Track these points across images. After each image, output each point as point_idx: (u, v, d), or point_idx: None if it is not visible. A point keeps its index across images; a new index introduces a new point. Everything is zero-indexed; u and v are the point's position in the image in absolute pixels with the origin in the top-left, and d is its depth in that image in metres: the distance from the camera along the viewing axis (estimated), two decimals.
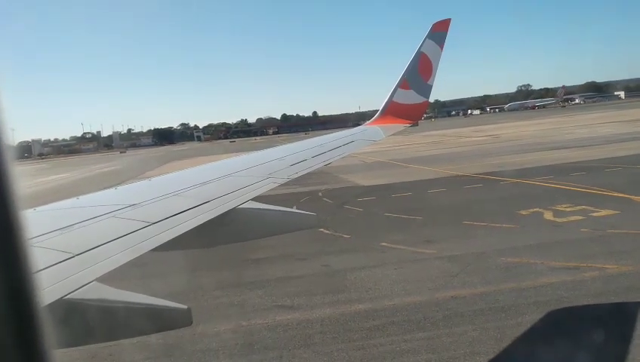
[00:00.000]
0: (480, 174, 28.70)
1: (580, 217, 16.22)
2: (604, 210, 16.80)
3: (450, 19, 12.22)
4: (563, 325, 8.98)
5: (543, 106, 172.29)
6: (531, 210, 17.79)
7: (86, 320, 2.72)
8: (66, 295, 2.61)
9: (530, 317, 9.24)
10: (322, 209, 22.74)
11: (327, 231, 17.92)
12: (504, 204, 19.77)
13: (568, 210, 17.36)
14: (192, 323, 3.29)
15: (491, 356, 8.01)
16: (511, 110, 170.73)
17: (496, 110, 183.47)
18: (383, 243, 15.32)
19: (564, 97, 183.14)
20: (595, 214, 16.41)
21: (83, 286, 2.79)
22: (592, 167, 27.06)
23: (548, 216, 16.90)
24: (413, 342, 8.67)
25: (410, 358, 8.14)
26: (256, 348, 9.11)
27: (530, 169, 28.81)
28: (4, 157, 1.06)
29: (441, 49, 12.08)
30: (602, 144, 38.78)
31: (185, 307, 3.25)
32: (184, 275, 14.01)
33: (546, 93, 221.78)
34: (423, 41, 11.85)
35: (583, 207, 17.46)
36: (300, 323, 10.02)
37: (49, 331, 1.16)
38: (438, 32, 12.05)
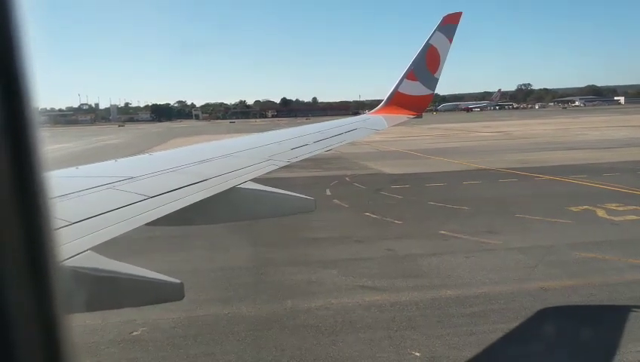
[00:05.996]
0: (507, 169, 28.63)
1: (636, 217, 16.20)
2: None
3: (461, 12, 12.12)
4: None
5: (478, 109, 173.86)
6: (581, 207, 17.73)
7: (77, 288, 2.66)
8: (59, 262, 2.52)
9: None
10: (357, 194, 22.63)
11: (375, 216, 17.79)
12: (549, 199, 19.70)
13: (620, 209, 17.34)
14: (183, 297, 3.24)
15: (619, 348, 7.92)
16: (444, 110, 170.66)
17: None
18: (442, 232, 15.18)
19: (500, 102, 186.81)
20: None
21: (77, 254, 2.79)
22: (622, 168, 27.08)
23: (601, 213, 16.86)
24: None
25: (535, 346, 8.04)
26: (359, 327, 8.95)
27: (558, 167, 28.77)
28: (31, 120, 1.02)
29: (450, 42, 11.99)
30: (620, 147, 38.89)
31: (177, 281, 3.21)
32: (247, 249, 13.88)
33: (545, 93, 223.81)
34: (433, 34, 11.73)
35: (634, 207, 17.45)
36: (393, 305, 9.88)
37: (63, 291, 1.16)
38: (448, 25, 11.92)
